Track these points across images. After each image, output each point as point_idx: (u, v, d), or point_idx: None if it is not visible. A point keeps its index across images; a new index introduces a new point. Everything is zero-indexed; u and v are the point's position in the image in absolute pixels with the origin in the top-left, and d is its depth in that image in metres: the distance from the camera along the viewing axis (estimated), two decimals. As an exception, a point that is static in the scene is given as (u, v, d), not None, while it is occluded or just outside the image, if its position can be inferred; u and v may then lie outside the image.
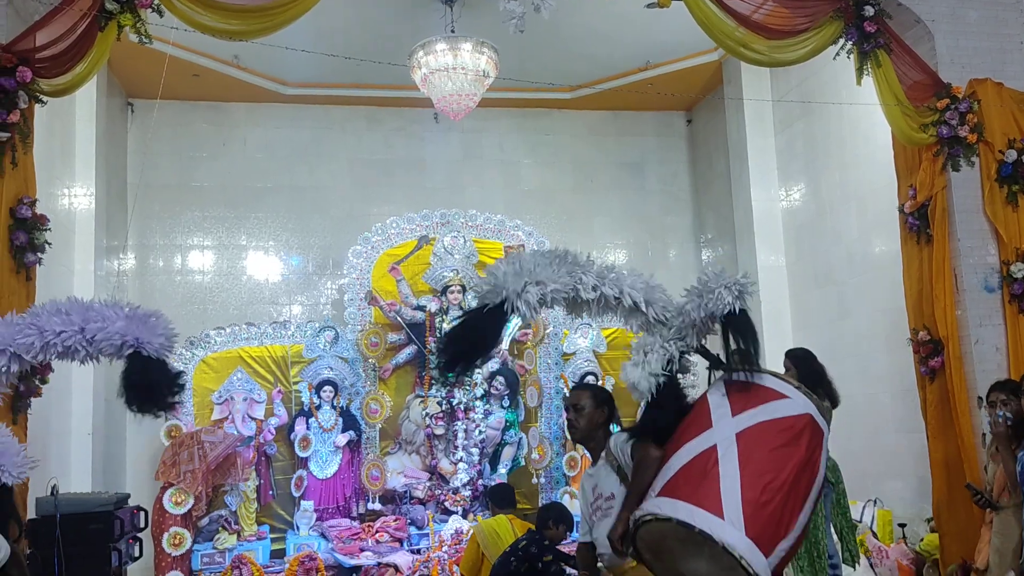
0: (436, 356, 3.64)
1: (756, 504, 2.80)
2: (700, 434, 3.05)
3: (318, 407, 7.67)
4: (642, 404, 3.36)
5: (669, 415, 3.22)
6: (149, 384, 3.12)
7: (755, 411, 3.07)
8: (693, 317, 3.27)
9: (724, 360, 3.27)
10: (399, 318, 7.94)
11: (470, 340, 3.25)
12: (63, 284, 6.98)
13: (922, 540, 6.16)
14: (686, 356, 3.36)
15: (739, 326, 3.24)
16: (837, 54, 5.83)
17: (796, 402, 3.10)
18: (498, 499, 5.57)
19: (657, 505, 2.93)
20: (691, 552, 2.85)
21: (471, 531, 5.35)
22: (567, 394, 3.28)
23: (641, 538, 3.01)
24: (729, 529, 2.75)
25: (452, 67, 6.95)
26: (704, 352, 3.36)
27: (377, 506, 7.62)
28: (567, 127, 9.98)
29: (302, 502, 7.48)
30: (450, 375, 3.68)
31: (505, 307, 3.17)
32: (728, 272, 3.33)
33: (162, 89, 6.68)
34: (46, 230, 4.91)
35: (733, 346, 3.22)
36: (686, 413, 3.24)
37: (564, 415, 3.55)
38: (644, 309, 3.33)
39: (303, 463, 7.61)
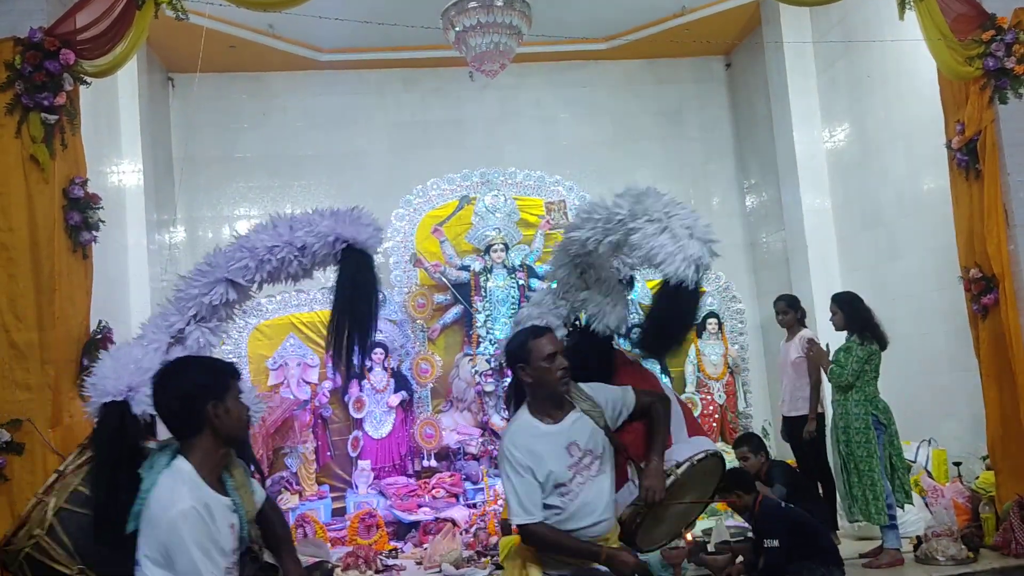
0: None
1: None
2: (663, 388, 3.73)
3: (370, 369, 7.82)
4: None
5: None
6: (362, 290, 3.04)
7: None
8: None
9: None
10: (444, 279, 8.03)
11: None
12: (118, 260, 7.18)
13: (977, 478, 6.12)
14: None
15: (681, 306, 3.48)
16: (877, -11, 5.69)
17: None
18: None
19: (703, 444, 3.50)
20: (714, 473, 3.54)
21: None
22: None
23: (690, 477, 3.34)
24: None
25: (485, 24, 6.92)
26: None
27: (432, 463, 7.78)
28: (603, 79, 9.87)
29: (359, 462, 7.67)
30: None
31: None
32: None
33: (200, 62, 6.76)
34: (99, 208, 5.04)
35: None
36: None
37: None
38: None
39: (358, 424, 7.79)
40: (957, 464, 6.33)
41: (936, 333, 6.86)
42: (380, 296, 3.14)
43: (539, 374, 3.09)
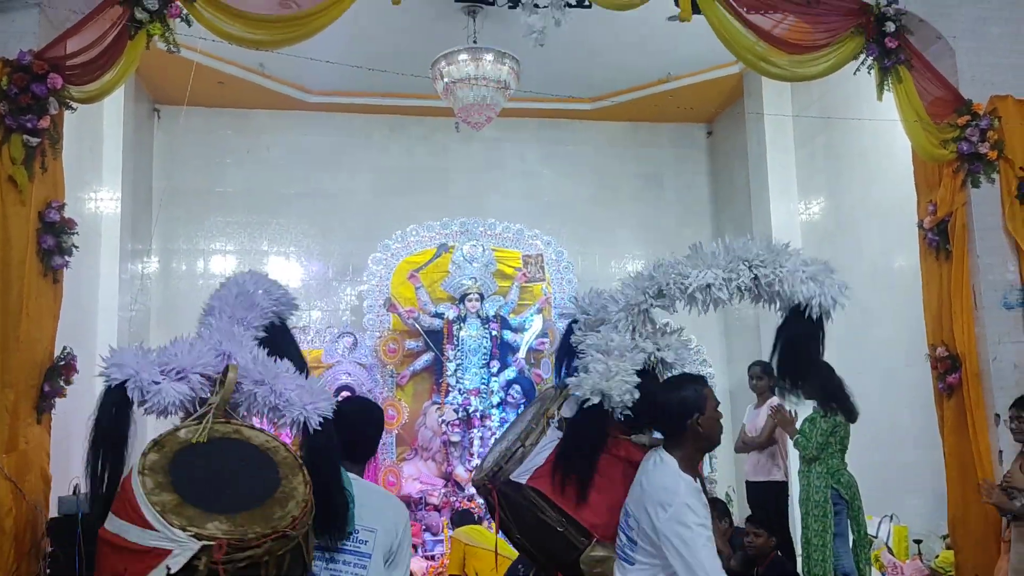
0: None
1: None
2: None
3: (336, 412, 7.73)
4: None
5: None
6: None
7: None
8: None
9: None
10: (417, 325, 8.01)
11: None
12: (89, 287, 7.11)
13: (937, 557, 6.13)
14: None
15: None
16: (858, 69, 5.83)
17: None
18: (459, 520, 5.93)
19: None
20: None
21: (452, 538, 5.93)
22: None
23: None
24: None
25: (474, 77, 7.03)
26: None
27: (392, 512, 7.67)
28: (587, 138, 10.02)
29: (318, 506, 7.54)
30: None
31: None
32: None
33: (188, 96, 6.79)
34: (74, 234, 4.99)
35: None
36: None
37: None
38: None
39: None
40: (918, 542, 6.34)
41: (903, 409, 6.92)
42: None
43: (711, 425, 2.98)
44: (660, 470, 2.87)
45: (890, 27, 5.70)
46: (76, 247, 5.05)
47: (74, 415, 6.43)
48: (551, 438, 3.28)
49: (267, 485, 2.54)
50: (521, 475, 3.22)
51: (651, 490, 2.83)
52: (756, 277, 3.42)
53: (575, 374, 3.37)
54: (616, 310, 3.46)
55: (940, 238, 5.80)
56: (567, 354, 3.60)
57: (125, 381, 2.79)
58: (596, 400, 3.18)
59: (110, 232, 7.59)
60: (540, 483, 3.18)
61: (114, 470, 2.72)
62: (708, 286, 3.39)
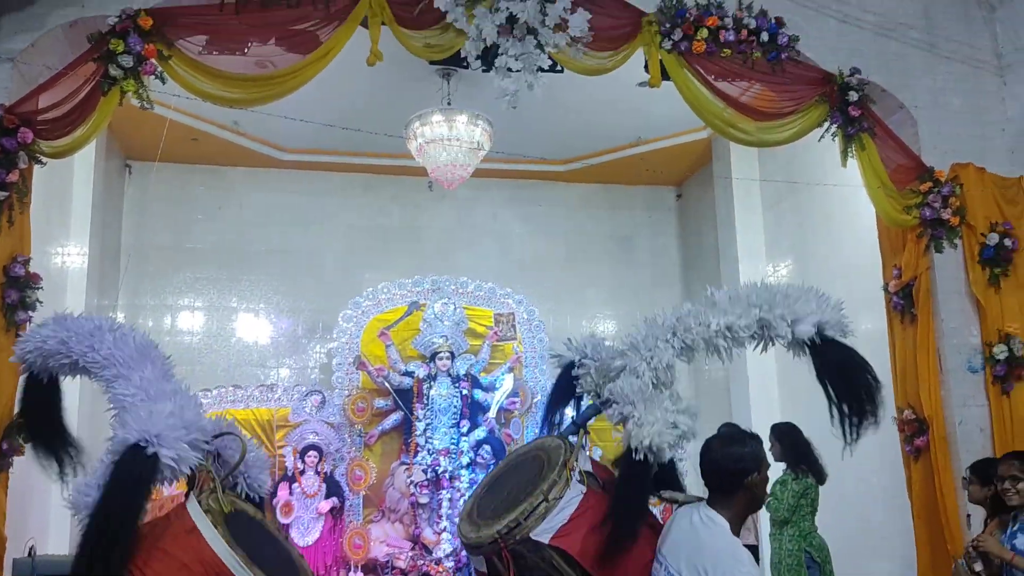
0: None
1: None
2: None
3: (302, 472, 7.61)
4: None
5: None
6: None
7: None
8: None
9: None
10: (387, 383, 7.94)
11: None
12: (51, 342, 6.97)
13: (909, 623, 6.09)
14: None
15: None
16: (822, 136, 5.98)
17: None
18: None
19: None
20: None
21: None
22: None
23: None
24: None
25: (447, 138, 7.10)
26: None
27: (358, 575, 7.50)
28: (559, 199, 10.12)
29: (282, 570, 7.35)
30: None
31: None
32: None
33: (161, 152, 6.79)
34: (38, 288, 4.94)
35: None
36: None
37: None
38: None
39: (284, 530, 7.50)
40: (889, 607, 6.30)
41: (871, 471, 6.93)
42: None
43: (763, 486, 2.90)
44: (714, 532, 2.72)
45: (853, 96, 5.86)
46: (40, 302, 4.98)
47: (31, 474, 6.27)
48: (573, 493, 2.98)
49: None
50: (543, 533, 2.90)
51: (710, 553, 2.66)
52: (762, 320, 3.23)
53: (574, 422, 3.22)
54: (639, 361, 3.14)
55: (905, 302, 5.89)
56: (563, 400, 3.41)
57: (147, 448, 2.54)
58: (648, 453, 2.93)
59: (76, 287, 7.49)
60: (565, 542, 2.88)
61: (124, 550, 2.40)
62: (729, 328, 3.18)
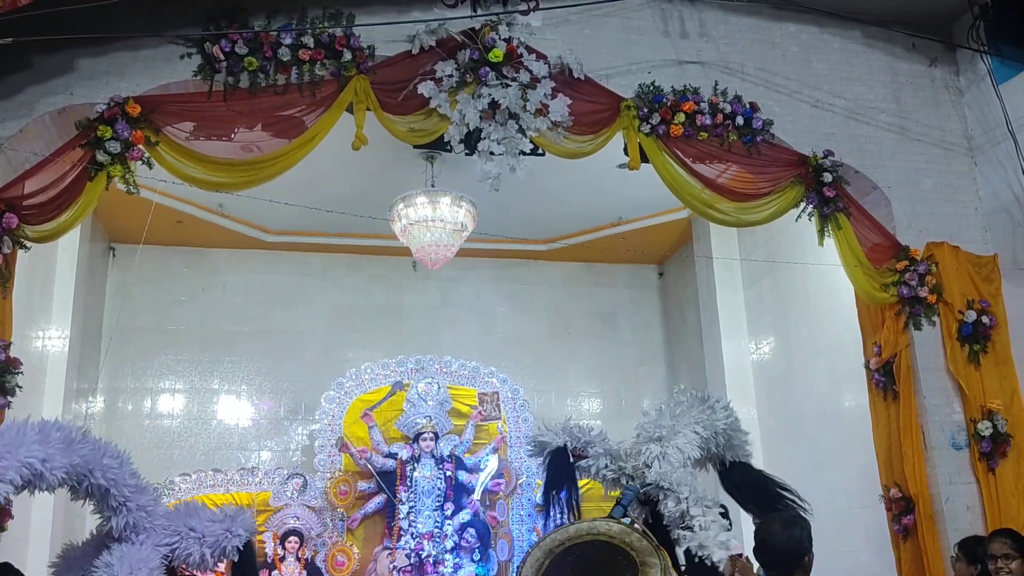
0: None
1: None
2: None
3: (282, 559, 7.44)
4: None
5: None
6: None
7: None
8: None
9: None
10: (369, 465, 7.84)
11: None
12: (29, 427, 6.87)
13: None
14: None
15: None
16: (799, 216, 6.09)
17: None
18: None
19: None
20: None
21: None
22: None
23: None
24: None
25: (431, 219, 7.19)
26: None
27: (340, 666, 7.28)
28: (542, 277, 10.19)
29: (260, 661, 7.14)
30: None
31: None
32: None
33: (146, 235, 6.81)
34: (18, 373, 4.88)
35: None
36: None
37: None
38: None
39: (264, 619, 7.30)
40: None
41: (860, 550, 6.85)
42: None
43: (811, 565, 3.09)
44: None
45: (827, 177, 6.00)
46: (20, 387, 4.93)
47: (7, 556, 6.09)
48: None
49: None
50: None
51: None
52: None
53: (621, 504, 3.11)
54: (672, 447, 3.32)
55: (887, 379, 5.92)
56: (564, 483, 3.39)
57: None
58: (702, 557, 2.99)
59: (56, 370, 7.42)
60: None
61: None
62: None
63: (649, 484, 3.22)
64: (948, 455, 5.74)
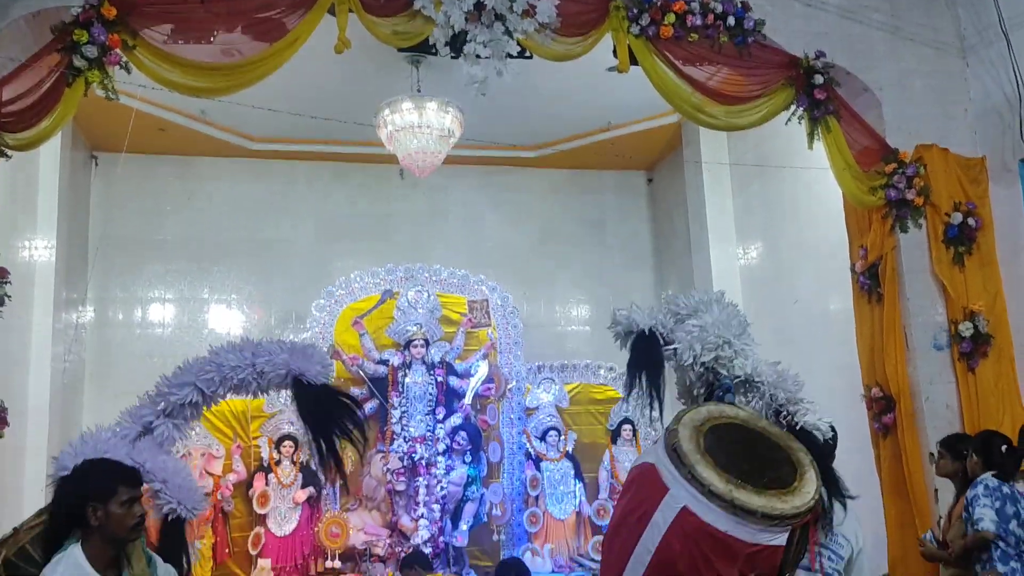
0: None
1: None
2: None
3: (277, 462, 7.60)
4: None
5: None
6: (320, 409, 3.46)
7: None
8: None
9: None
10: (361, 372, 7.93)
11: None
12: (21, 337, 6.92)
13: (879, 596, 6.20)
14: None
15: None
16: (789, 119, 6.03)
17: (652, 450, 2.84)
18: (424, 562, 5.61)
19: None
20: None
21: None
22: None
23: None
24: None
25: (417, 125, 7.09)
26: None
27: (336, 564, 7.51)
28: (531, 184, 10.14)
29: (259, 560, 7.36)
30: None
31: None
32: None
33: (128, 143, 6.71)
34: (6, 283, 4.88)
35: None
36: None
37: None
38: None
39: (261, 520, 7.50)
40: (860, 581, 6.40)
41: (840, 449, 6.99)
42: (349, 403, 3.57)
43: None
44: None
45: (818, 79, 5.92)
46: (8, 297, 4.93)
47: (3, 471, 6.23)
48: None
49: None
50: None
51: None
52: None
53: (729, 391, 3.30)
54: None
55: (872, 281, 5.98)
56: (651, 369, 3.41)
57: None
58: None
59: (44, 281, 7.41)
60: None
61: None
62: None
63: (738, 376, 3.31)
64: (930, 355, 5.85)
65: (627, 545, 2.58)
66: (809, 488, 2.62)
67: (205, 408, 3.65)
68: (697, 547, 2.47)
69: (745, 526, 2.45)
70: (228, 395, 3.61)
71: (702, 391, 3.35)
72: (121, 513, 2.79)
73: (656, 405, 3.32)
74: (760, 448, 2.82)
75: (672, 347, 3.37)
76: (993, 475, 4.45)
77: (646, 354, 3.40)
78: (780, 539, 2.53)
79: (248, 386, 3.50)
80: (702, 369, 3.30)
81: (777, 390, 3.29)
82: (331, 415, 3.47)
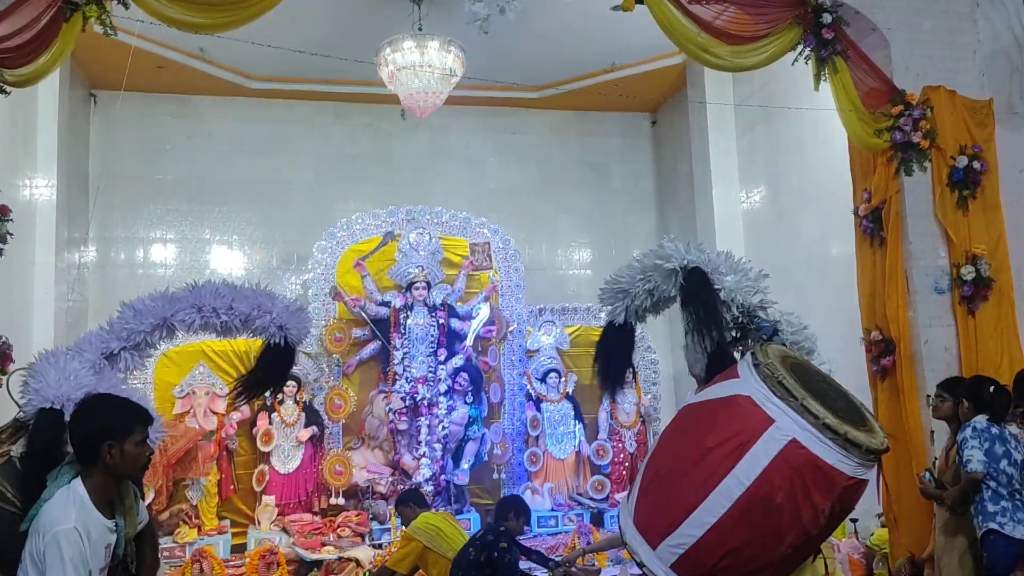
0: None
1: (643, 491, 2.82)
2: None
3: (280, 402, 7.68)
4: None
5: None
6: (276, 367, 3.57)
7: (702, 391, 3.00)
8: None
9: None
10: (363, 314, 7.97)
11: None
12: (24, 276, 6.94)
13: (872, 535, 6.32)
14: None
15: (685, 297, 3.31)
16: (795, 60, 5.95)
17: (739, 382, 2.77)
18: (419, 500, 5.70)
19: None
20: None
21: (403, 533, 5.38)
22: None
23: None
24: (624, 512, 2.85)
25: (419, 65, 7.00)
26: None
27: (340, 501, 7.64)
28: (533, 126, 10.06)
29: (264, 497, 7.48)
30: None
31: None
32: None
33: (126, 81, 6.64)
34: (8, 220, 4.88)
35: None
36: None
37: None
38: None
39: (265, 458, 7.61)
40: (854, 521, 6.52)
41: (839, 392, 7.10)
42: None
43: None
44: None
45: (827, 19, 5.83)
46: (11, 234, 4.93)
47: (9, 406, 6.27)
48: None
49: None
50: None
51: None
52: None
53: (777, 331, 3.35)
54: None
55: (874, 225, 5.97)
56: (705, 303, 3.44)
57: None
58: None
59: (45, 220, 7.41)
60: None
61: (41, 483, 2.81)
62: None
63: (776, 321, 3.46)
64: (930, 299, 5.86)
65: (712, 477, 2.56)
66: (878, 428, 2.70)
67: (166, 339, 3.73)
68: (800, 479, 2.50)
69: (849, 460, 2.52)
70: (200, 331, 3.70)
71: (736, 335, 3.38)
72: (136, 452, 2.77)
73: (708, 338, 3.32)
74: (834, 387, 2.87)
75: (720, 287, 3.43)
76: (984, 418, 4.50)
77: (699, 286, 3.43)
78: (869, 474, 2.61)
79: (227, 328, 3.59)
80: (738, 312, 3.33)
81: (798, 338, 3.33)
82: (279, 375, 3.63)
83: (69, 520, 2.61)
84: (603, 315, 3.68)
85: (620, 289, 3.59)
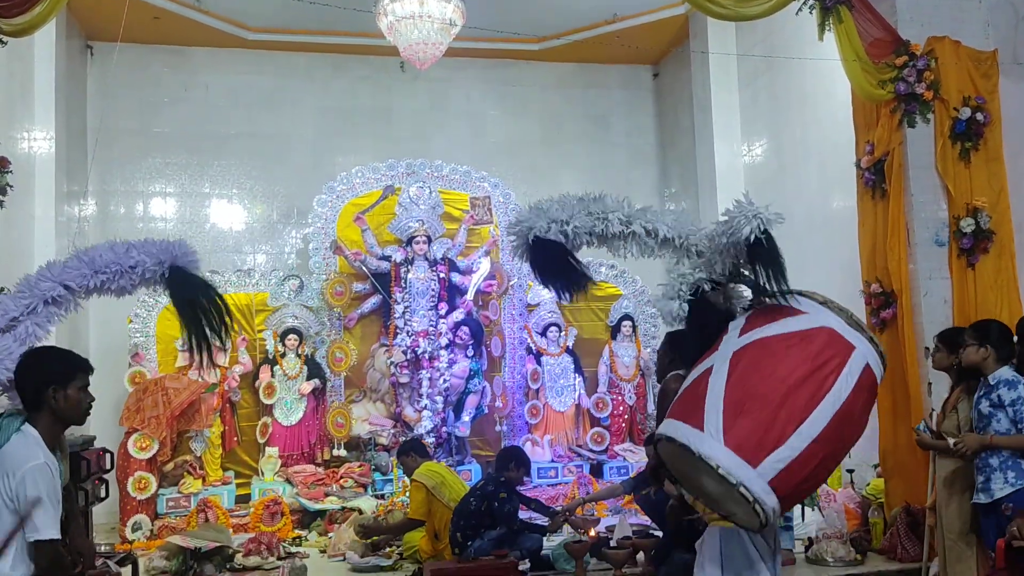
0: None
1: (735, 412, 2.92)
2: (706, 358, 3.20)
3: (283, 355, 7.72)
4: None
5: (694, 340, 3.39)
6: (196, 299, 3.47)
7: (761, 328, 3.19)
8: (719, 244, 3.37)
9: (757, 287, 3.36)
10: (364, 268, 7.98)
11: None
12: (24, 229, 6.93)
13: (868, 485, 6.39)
14: (730, 285, 3.51)
15: (761, 254, 3.29)
16: (800, 9, 5.87)
17: (813, 316, 3.19)
18: (420, 450, 5.78)
19: (662, 427, 3.12)
20: (699, 469, 2.92)
21: (412, 483, 5.53)
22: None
23: (664, 460, 3.19)
24: (707, 440, 2.87)
25: (419, 15, 6.92)
26: (745, 279, 3.44)
27: (342, 452, 7.72)
28: (534, 79, 9.97)
29: (267, 448, 7.57)
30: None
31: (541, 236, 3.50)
32: (753, 203, 3.35)
33: (122, 32, 6.57)
34: (7, 172, 4.87)
35: (760, 274, 3.29)
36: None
37: None
38: (675, 240, 3.53)
39: (268, 410, 7.68)
40: (850, 471, 6.59)
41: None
42: (217, 294, 3.54)
43: None
44: None
45: (832, -34, 5.74)
46: (11, 186, 4.92)
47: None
48: None
49: None
50: None
51: None
52: None
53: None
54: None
55: (876, 177, 5.94)
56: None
57: None
58: None
59: (44, 173, 7.38)
60: None
61: None
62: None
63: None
64: (930, 251, 5.85)
65: (818, 393, 2.98)
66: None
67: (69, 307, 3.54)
68: (869, 397, 3.14)
69: (880, 370, 3.21)
70: (96, 291, 3.50)
71: (727, 268, 3.44)
72: (78, 397, 2.93)
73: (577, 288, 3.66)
74: None
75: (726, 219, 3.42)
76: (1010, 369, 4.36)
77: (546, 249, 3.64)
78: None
79: (120, 278, 3.47)
80: (729, 243, 3.36)
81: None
82: (206, 310, 3.50)
83: (39, 457, 2.71)
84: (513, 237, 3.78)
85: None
